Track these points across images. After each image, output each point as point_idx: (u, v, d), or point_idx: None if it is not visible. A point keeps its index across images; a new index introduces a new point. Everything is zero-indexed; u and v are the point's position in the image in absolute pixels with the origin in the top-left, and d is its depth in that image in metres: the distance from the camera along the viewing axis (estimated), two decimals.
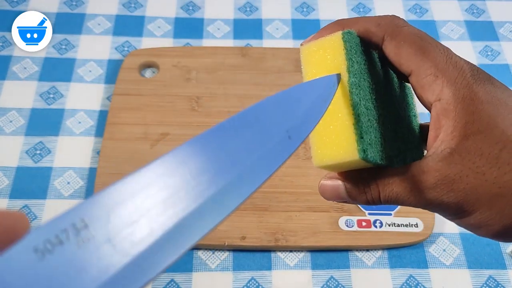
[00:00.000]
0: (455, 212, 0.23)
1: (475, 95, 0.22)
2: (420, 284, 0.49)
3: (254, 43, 0.66)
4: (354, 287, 0.49)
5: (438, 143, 0.23)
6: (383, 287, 0.49)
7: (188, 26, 0.68)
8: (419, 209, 0.24)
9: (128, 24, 0.67)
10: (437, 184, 0.22)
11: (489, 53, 0.67)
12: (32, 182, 0.54)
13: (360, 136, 0.23)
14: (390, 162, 0.25)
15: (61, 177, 0.54)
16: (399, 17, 0.26)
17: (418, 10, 0.71)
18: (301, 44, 0.26)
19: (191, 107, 0.58)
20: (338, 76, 0.24)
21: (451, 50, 0.24)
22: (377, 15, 0.72)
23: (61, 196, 0.53)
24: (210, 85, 0.60)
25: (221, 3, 0.70)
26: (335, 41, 0.25)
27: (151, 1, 0.70)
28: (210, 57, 0.62)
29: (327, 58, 0.25)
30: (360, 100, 0.23)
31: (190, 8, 0.70)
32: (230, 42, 0.66)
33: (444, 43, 0.67)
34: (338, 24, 0.26)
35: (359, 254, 0.51)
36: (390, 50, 0.25)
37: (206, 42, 0.66)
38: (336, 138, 0.23)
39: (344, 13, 0.70)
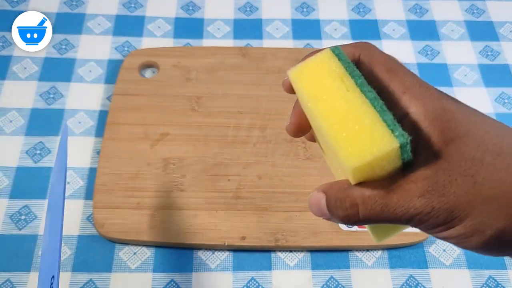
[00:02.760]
0: (445, 220, 0.22)
1: (446, 106, 0.23)
2: (420, 284, 0.49)
3: (254, 43, 0.66)
4: (354, 287, 0.49)
5: (420, 153, 0.23)
6: (383, 287, 0.49)
7: (188, 26, 0.68)
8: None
9: (128, 24, 0.67)
10: (428, 191, 0.22)
11: (489, 53, 0.67)
12: (32, 182, 0.54)
13: (390, 128, 0.22)
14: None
15: None
16: (370, 43, 0.27)
17: (418, 10, 0.71)
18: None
19: (191, 107, 0.58)
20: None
21: (418, 76, 0.25)
22: (379, 17, 0.72)
23: None
24: (210, 85, 0.60)
25: (221, 3, 0.70)
26: (327, 55, 0.25)
27: (151, 1, 0.70)
28: (210, 57, 0.62)
29: (323, 72, 0.25)
30: (375, 97, 0.23)
31: (190, 8, 0.70)
32: (230, 42, 0.66)
33: (444, 43, 0.67)
34: (316, 52, 0.27)
35: (359, 254, 0.51)
36: (364, 67, 0.26)
37: (206, 42, 0.66)
38: (367, 132, 0.22)
39: (344, 13, 0.70)
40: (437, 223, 0.22)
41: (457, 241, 0.23)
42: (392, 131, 0.22)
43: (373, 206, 0.23)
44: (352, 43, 0.27)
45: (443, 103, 0.23)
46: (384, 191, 0.23)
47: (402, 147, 0.22)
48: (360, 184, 0.24)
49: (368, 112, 0.23)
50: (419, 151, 0.23)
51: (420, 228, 0.23)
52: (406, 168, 0.23)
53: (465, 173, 0.22)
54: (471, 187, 0.21)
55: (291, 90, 0.27)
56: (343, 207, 0.24)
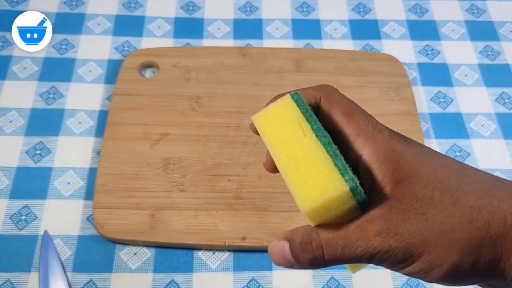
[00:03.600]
0: (403, 258, 0.23)
1: (396, 147, 0.24)
2: (420, 284, 0.49)
3: (254, 43, 0.66)
4: (354, 287, 0.49)
5: (376, 192, 0.24)
6: (384, 287, 0.49)
7: (188, 26, 0.68)
8: None
9: (128, 24, 0.67)
10: (383, 230, 0.23)
11: (489, 53, 0.67)
12: (32, 182, 0.54)
13: (341, 172, 0.24)
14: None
15: (61, 177, 0.54)
16: (331, 86, 0.28)
17: (418, 10, 0.71)
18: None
19: (191, 107, 0.58)
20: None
21: (373, 117, 0.26)
22: (379, 17, 0.71)
23: (61, 196, 0.53)
24: (210, 85, 0.60)
25: (221, 3, 0.70)
26: (286, 101, 0.27)
27: (151, 1, 0.70)
28: (210, 57, 0.62)
29: (283, 118, 0.26)
30: (329, 142, 0.25)
31: (190, 8, 0.70)
32: (230, 42, 0.66)
33: (444, 43, 0.67)
34: (280, 96, 0.28)
35: None
36: (323, 110, 0.27)
37: (206, 42, 0.66)
38: (319, 177, 0.24)
39: (344, 13, 0.70)
40: (396, 261, 0.23)
41: (420, 276, 0.24)
42: (343, 175, 0.23)
43: (335, 247, 0.24)
44: (314, 86, 0.28)
45: (393, 144, 0.24)
46: (344, 231, 0.24)
47: (352, 190, 0.23)
48: (323, 226, 0.25)
49: (321, 157, 0.24)
50: (375, 190, 0.24)
51: (383, 266, 0.24)
52: (364, 207, 0.24)
53: (416, 211, 0.23)
54: (423, 224, 0.23)
55: (258, 132, 0.28)
56: (309, 250, 0.25)
